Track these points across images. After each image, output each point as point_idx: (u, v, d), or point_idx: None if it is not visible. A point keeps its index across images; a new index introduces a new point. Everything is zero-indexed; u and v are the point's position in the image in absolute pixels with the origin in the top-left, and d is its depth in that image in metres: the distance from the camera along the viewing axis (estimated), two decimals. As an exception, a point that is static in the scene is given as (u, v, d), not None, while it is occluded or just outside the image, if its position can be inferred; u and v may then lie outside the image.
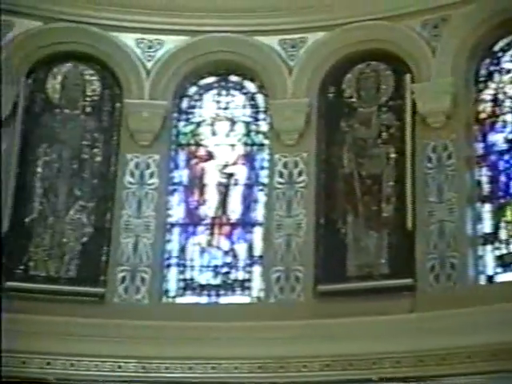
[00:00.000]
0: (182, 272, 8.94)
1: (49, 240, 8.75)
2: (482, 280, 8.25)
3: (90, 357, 8.26)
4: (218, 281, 8.90)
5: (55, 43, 9.17)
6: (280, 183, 8.98)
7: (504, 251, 8.25)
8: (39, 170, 8.93)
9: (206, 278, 8.92)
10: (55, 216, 8.82)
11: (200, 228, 9.10)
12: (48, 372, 8.22)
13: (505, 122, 8.64)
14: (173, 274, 8.91)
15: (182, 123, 9.41)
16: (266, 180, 9.14)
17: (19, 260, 8.60)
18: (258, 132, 9.39)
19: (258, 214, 9.10)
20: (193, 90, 9.48)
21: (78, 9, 9.16)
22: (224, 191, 9.24)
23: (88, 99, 9.21)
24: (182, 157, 9.31)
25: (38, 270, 8.65)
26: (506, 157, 8.52)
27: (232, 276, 8.91)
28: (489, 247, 8.32)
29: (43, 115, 9.09)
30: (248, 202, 9.17)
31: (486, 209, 8.44)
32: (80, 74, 9.25)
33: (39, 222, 8.78)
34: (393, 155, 8.80)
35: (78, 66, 9.26)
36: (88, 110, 9.19)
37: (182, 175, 9.26)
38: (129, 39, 9.27)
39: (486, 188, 8.50)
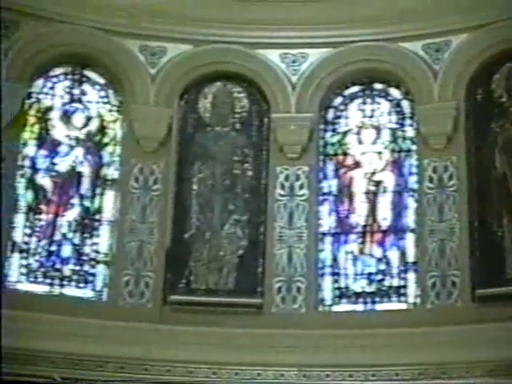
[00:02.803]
0: (336, 280, 9.03)
1: (207, 254, 9.05)
2: None
3: (252, 365, 8.47)
4: (372, 288, 8.94)
5: (205, 64, 9.49)
6: (430, 188, 8.94)
7: None
8: (195, 187, 9.26)
9: (360, 285, 8.98)
10: (212, 231, 9.12)
11: (351, 236, 9.17)
12: (213, 381, 8.48)
13: None
14: (327, 283, 9.02)
15: (328, 134, 9.53)
16: (415, 186, 9.12)
17: (181, 274, 8.93)
18: (404, 138, 9.38)
19: (409, 220, 9.08)
20: (338, 100, 9.58)
21: (224, 30, 9.43)
22: (373, 199, 9.29)
23: (237, 116, 9.49)
24: (330, 167, 9.42)
25: (199, 283, 8.95)
26: None
27: (386, 283, 8.93)
28: None
29: (196, 134, 9.42)
30: (398, 209, 9.16)
31: None
32: (229, 92, 9.53)
33: (197, 237, 9.09)
34: (549, 154, 8.61)
35: (226, 85, 9.54)
36: (237, 126, 9.46)
37: (331, 185, 9.37)
38: (273, 55, 9.48)
39: None
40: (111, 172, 9.32)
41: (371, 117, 9.51)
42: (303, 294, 8.83)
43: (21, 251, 8.88)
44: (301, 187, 9.20)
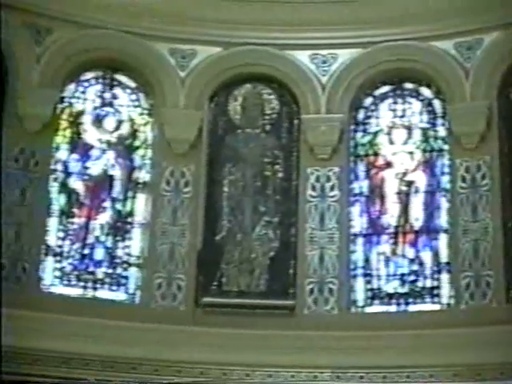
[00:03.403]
0: (368, 282, 9.00)
1: (238, 256, 9.07)
2: None
3: (285, 367, 8.48)
4: (405, 289, 8.89)
5: (234, 66, 9.49)
6: (463, 188, 8.88)
7: None
8: (225, 189, 9.27)
9: (393, 286, 8.94)
10: (243, 233, 9.13)
11: (383, 237, 9.13)
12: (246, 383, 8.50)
13: None
14: (360, 284, 8.99)
15: (359, 134, 9.49)
16: (448, 186, 9.06)
17: (213, 276, 8.96)
18: (436, 138, 9.32)
19: (442, 220, 9.02)
20: (368, 100, 9.54)
21: (253, 31, 9.42)
22: (405, 199, 9.23)
23: (267, 118, 9.49)
24: (361, 167, 9.39)
25: (230, 285, 8.97)
26: None
27: (419, 284, 8.89)
28: None
29: (226, 136, 9.43)
30: (430, 209, 9.10)
31: None
32: (258, 94, 9.53)
33: (228, 240, 9.11)
34: None
35: (256, 87, 9.54)
36: (268, 128, 9.46)
37: (362, 186, 9.33)
38: (303, 56, 9.45)
39: None
40: (142, 175, 9.37)
41: (402, 117, 9.46)
42: (335, 295, 8.82)
43: (54, 255, 8.96)
44: (332, 188, 9.17)
